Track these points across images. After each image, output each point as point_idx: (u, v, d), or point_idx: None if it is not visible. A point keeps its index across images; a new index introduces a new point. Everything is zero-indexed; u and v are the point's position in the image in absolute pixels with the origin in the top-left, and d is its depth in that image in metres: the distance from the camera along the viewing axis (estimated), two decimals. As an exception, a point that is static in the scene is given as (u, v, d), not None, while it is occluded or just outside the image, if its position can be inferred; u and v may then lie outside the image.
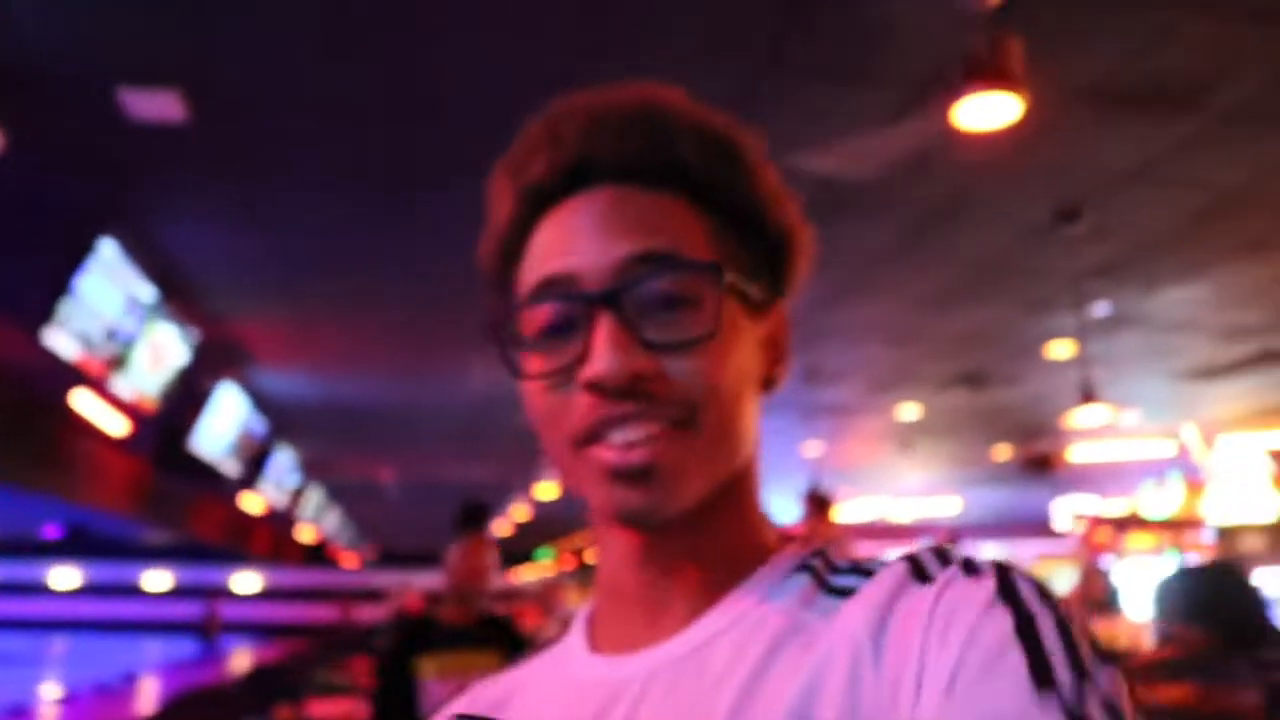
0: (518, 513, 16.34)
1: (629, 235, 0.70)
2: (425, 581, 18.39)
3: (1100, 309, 7.01)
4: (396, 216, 5.45)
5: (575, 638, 0.80)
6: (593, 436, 0.68)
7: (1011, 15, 3.46)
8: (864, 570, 0.72)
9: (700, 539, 0.73)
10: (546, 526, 16.95)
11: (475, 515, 3.98)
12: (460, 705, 0.82)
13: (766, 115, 4.04)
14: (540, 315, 0.71)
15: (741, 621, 0.71)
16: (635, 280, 0.68)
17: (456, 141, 4.59)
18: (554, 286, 0.70)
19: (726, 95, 4.08)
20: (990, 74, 3.28)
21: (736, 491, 0.75)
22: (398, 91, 4.16)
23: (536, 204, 0.75)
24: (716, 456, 0.70)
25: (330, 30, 3.75)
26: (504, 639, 3.73)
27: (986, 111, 3.45)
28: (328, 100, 4.25)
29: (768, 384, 0.77)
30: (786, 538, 0.78)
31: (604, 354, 0.66)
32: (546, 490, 13.08)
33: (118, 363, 6.36)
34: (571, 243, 0.71)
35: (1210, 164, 4.83)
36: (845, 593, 0.70)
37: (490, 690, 0.83)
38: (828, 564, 0.74)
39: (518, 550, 21.82)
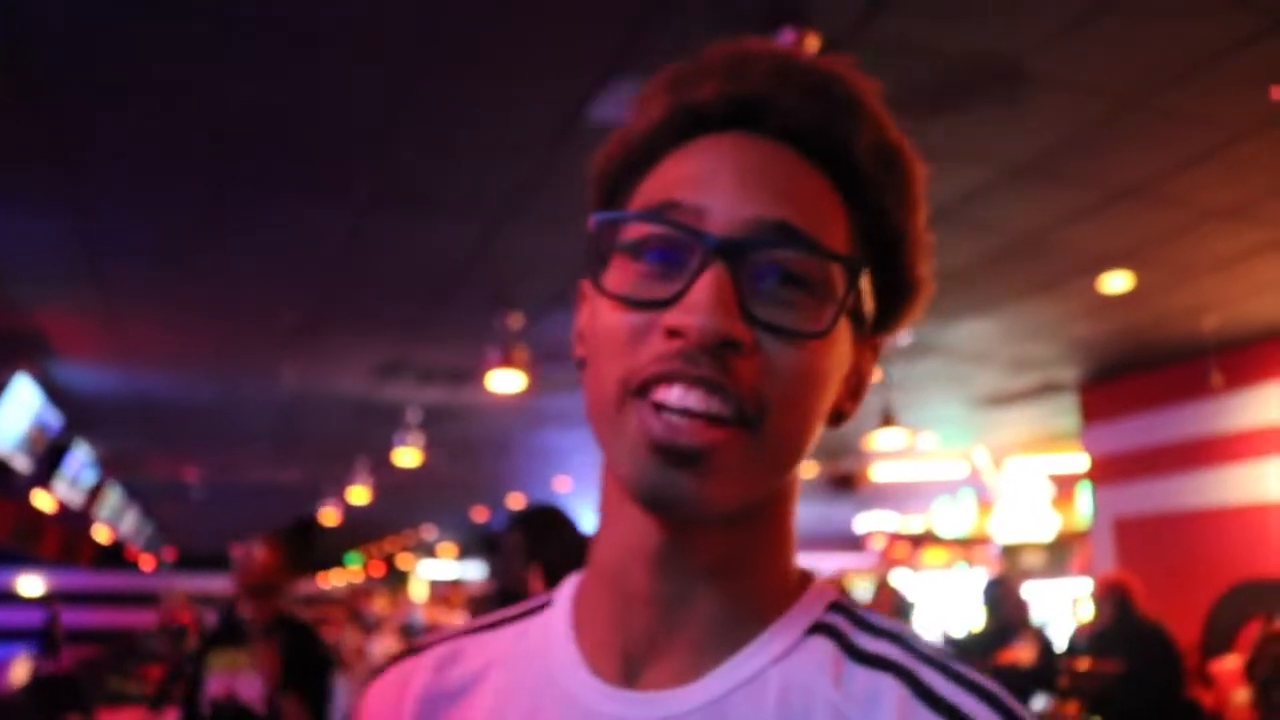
0: (328, 517, 16.01)
1: (774, 195, 0.63)
2: (215, 585, 17.75)
3: (902, 337, 7.36)
4: (214, 212, 5.31)
5: (560, 629, 0.72)
6: (651, 385, 0.61)
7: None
8: (894, 636, 0.66)
9: (729, 556, 0.66)
10: (356, 531, 16.64)
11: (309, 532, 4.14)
12: (421, 677, 0.75)
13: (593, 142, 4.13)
14: (649, 235, 0.64)
15: (758, 682, 0.64)
16: (766, 242, 0.61)
17: (278, 142, 4.53)
18: (678, 213, 0.63)
19: (550, 126, 4.17)
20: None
21: (775, 514, 0.68)
22: (220, 86, 4.08)
23: (689, 125, 0.68)
24: (772, 468, 0.64)
25: (153, 16, 3.65)
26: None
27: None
28: (149, 88, 4.12)
29: (835, 418, 0.70)
30: (806, 576, 0.71)
31: (703, 305, 0.59)
32: (358, 494, 12.88)
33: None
34: (714, 177, 0.64)
35: (1003, 211, 5.18)
36: (874, 662, 0.64)
37: (451, 669, 0.75)
38: (852, 619, 0.68)
39: (327, 555, 21.33)
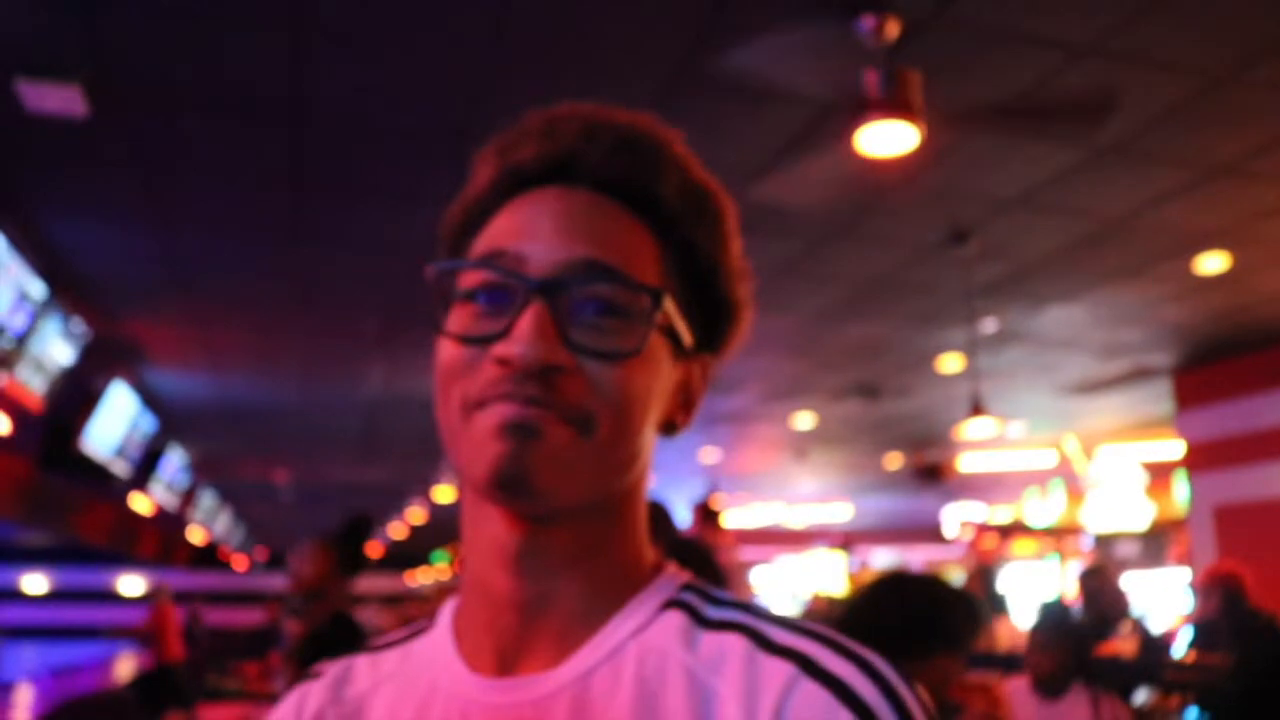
0: (413, 515, 16.21)
1: (587, 238, 0.71)
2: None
3: (989, 325, 7.26)
4: (298, 220, 5.41)
5: (442, 641, 0.78)
6: (485, 402, 0.68)
7: (909, 46, 3.60)
8: (741, 606, 0.73)
9: (579, 553, 0.72)
10: (442, 530, 16.83)
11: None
12: (316, 698, 0.80)
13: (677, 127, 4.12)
14: (480, 282, 0.72)
15: (618, 655, 0.70)
16: (577, 279, 0.69)
17: (361, 151, 4.60)
18: (502, 259, 0.71)
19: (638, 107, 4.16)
20: (889, 105, 3.41)
21: (620, 516, 0.75)
22: (303, 96, 4.15)
23: (513, 184, 0.77)
24: (604, 467, 0.70)
25: (236, 30, 3.72)
26: None
27: (886, 139, 3.59)
28: (232, 101, 4.21)
29: (668, 427, 0.78)
30: (659, 565, 0.78)
31: (524, 337, 0.66)
32: (444, 493, 13.02)
33: (6, 360, 6.19)
34: (532, 226, 0.72)
35: (1091, 194, 5.06)
36: (721, 626, 0.71)
37: (345, 689, 0.81)
38: (703, 596, 0.75)
39: (413, 553, 21.63)
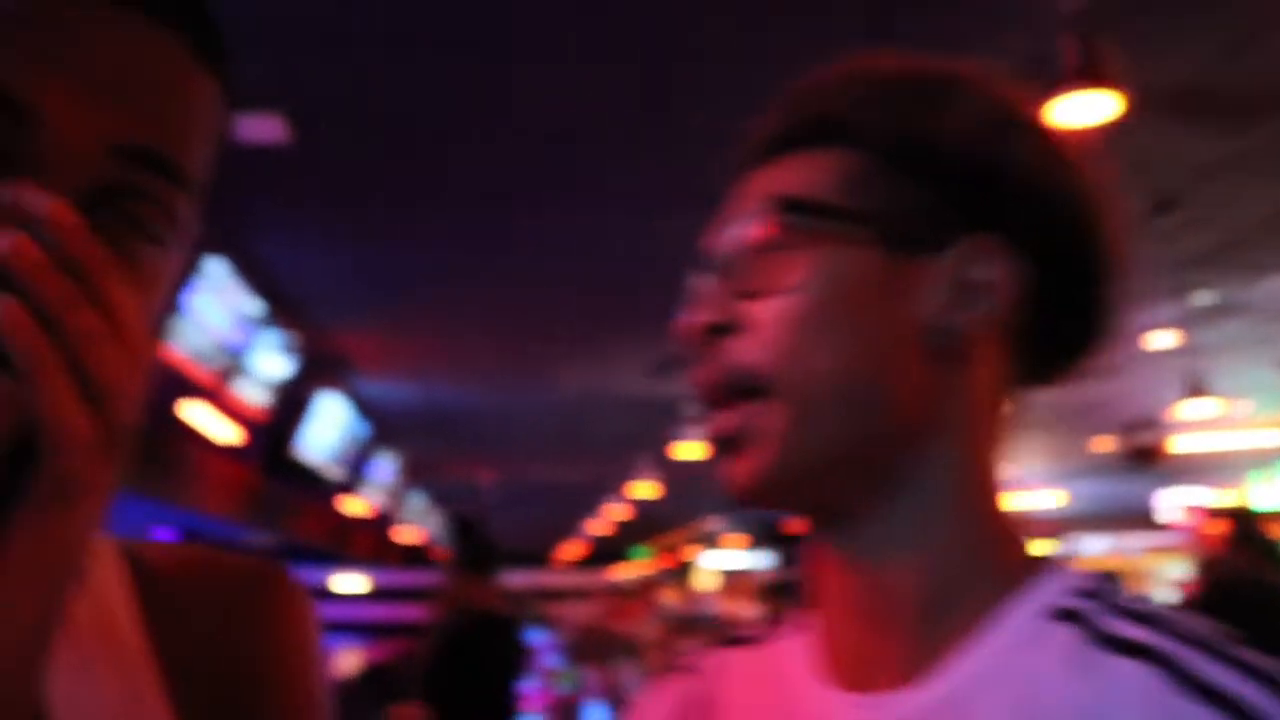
0: (614, 512, 16.41)
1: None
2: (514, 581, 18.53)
3: (1203, 298, 6.85)
4: (488, 228, 5.55)
5: (795, 648, 0.72)
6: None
7: (1105, 16, 3.43)
8: (1151, 618, 0.59)
9: (875, 542, 0.64)
10: (644, 525, 17.00)
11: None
12: (668, 699, 0.78)
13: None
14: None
15: (987, 679, 0.60)
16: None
17: (553, 156, 4.68)
18: None
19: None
20: (1087, 73, 3.27)
21: (912, 479, 0.64)
22: (486, 109, 4.25)
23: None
24: (811, 424, 0.62)
25: (422, 52, 3.85)
26: None
27: (1084, 109, 3.43)
28: (419, 119, 4.36)
29: (948, 336, 0.64)
30: (1035, 559, 0.66)
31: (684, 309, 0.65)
32: (643, 489, 13.13)
33: (228, 374, 6.58)
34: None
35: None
36: (1126, 648, 0.57)
37: (696, 684, 0.77)
38: (1101, 602, 0.61)
39: (618, 548, 21.92)
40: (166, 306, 0.58)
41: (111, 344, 0.44)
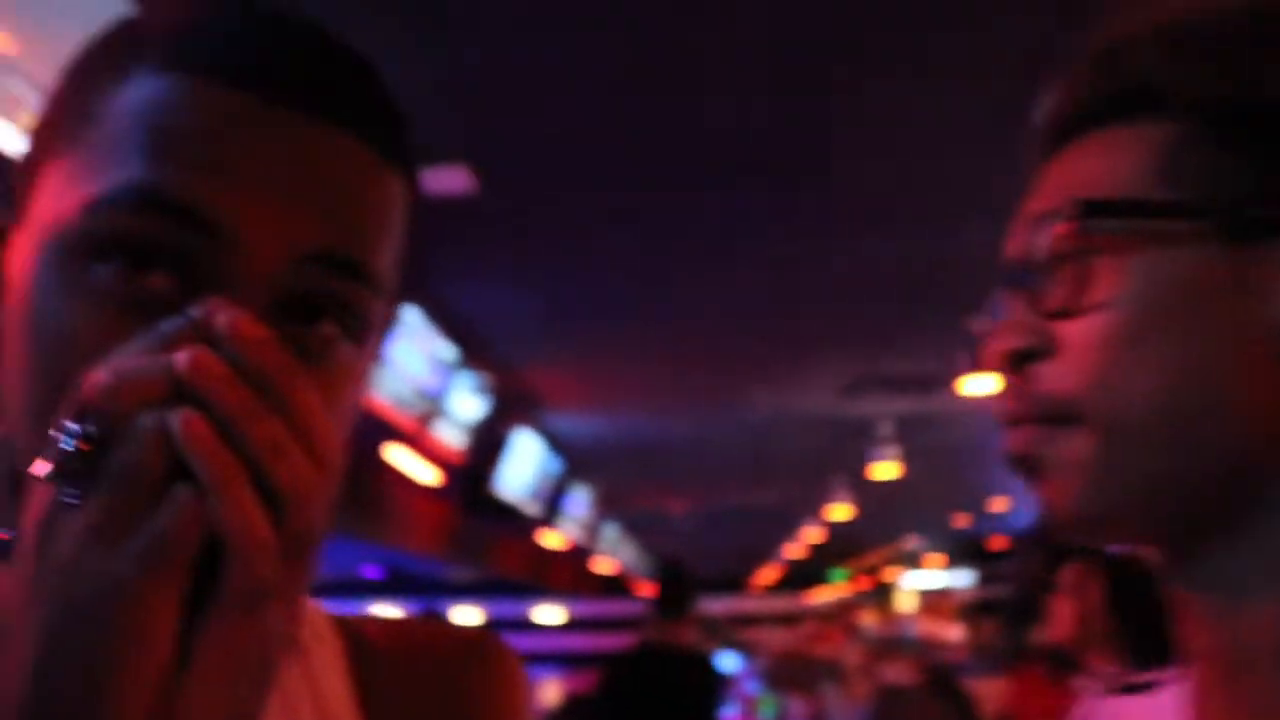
0: (810, 535, 16.21)
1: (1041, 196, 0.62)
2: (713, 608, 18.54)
3: None
4: (665, 265, 5.57)
5: (1175, 699, 0.64)
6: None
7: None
8: None
9: (1222, 576, 0.56)
10: (839, 547, 16.74)
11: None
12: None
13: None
14: None
15: None
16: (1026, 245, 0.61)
17: (725, 177, 4.64)
18: None
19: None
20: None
21: (1264, 507, 0.55)
22: (667, 140, 4.25)
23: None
24: (1123, 454, 0.56)
25: (599, 92, 3.87)
26: None
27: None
28: (598, 158, 4.41)
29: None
30: None
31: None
32: (838, 511, 12.91)
33: (427, 418, 6.76)
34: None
35: None
36: None
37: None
38: None
39: (811, 572, 21.65)
40: (358, 400, 0.58)
41: (296, 452, 0.44)
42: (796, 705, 9.58)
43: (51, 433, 0.44)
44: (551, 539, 12.80)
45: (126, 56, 0.53)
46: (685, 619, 4.64)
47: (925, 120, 4.12)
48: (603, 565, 18.48)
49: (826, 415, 9.35)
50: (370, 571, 23.07)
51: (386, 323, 0.61)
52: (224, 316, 0.44)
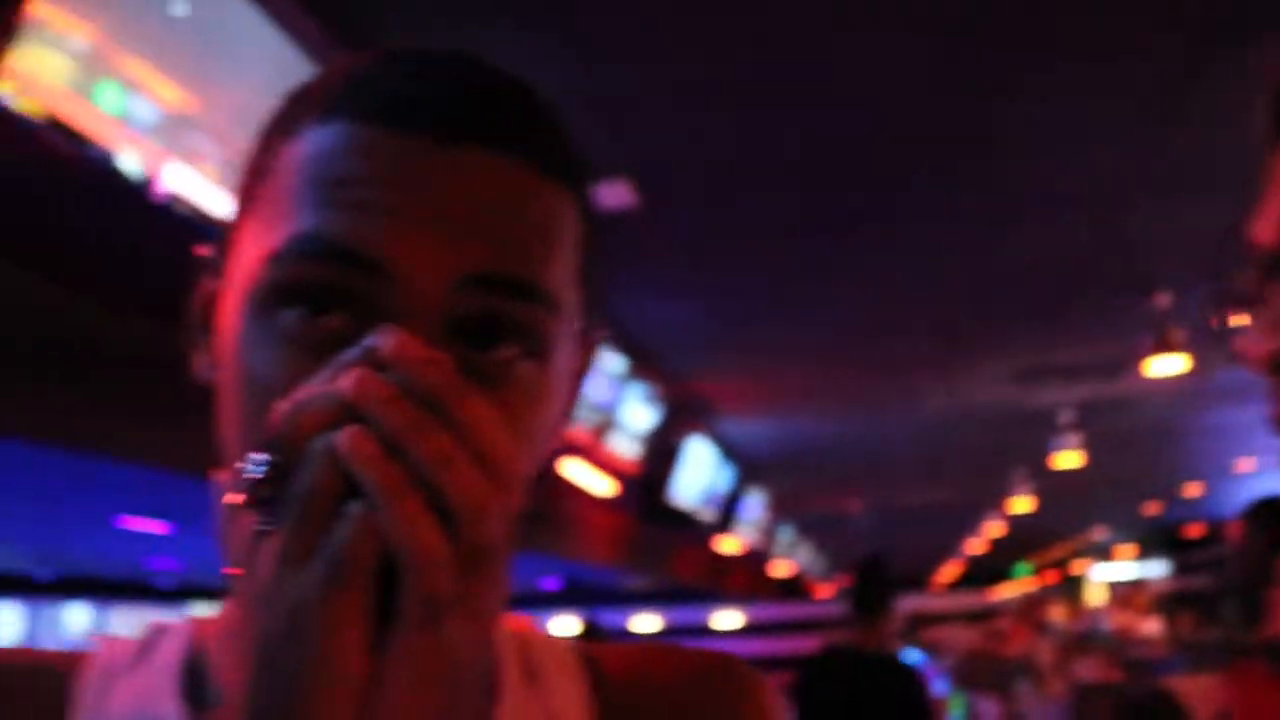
0: (991, 529, 15.82)
1: None
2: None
3: None
4: (830, 265, 5.56)
5: None
6: None
7: None
8: None
9: None
10: (1023, 542, 16.28)
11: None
12: None
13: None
14: None
15: None
16: None
17: (880, 176, 4.63)
18: None
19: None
20: None
21: None
22: (818, 141, 4.26)
23: None
24: None
25: (750, 99, 3.90)
26: None
27: None
28: (754, 169, 4.45)
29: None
30: None
31: None
32: (1019, 504, 12.57)
33: (602, 430, 6.90)
34: None
35: None
36: None
37: None
38: None
39: (993, 567, 21.10)
40: (556, 417, 0.59)
41: (466, 465, 0.45)
42: (988, 705, 9.35)
43: (240, 465, 0.47)
44: (727, 544, 12.83)
45: (295, 113, 0.57)
46: (884, 619, 4.51)
47: (1090, 102, 4.03)
48: (779, 568, 18.39)
49: (1002, 406, 9.15)
50: (549, 584, 23.51)
51: (579, 340, 0.62)
52: (389, 342, 0.46)
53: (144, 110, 2.85)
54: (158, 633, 0.65)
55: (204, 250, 0.63)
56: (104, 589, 12.90)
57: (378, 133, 0.53)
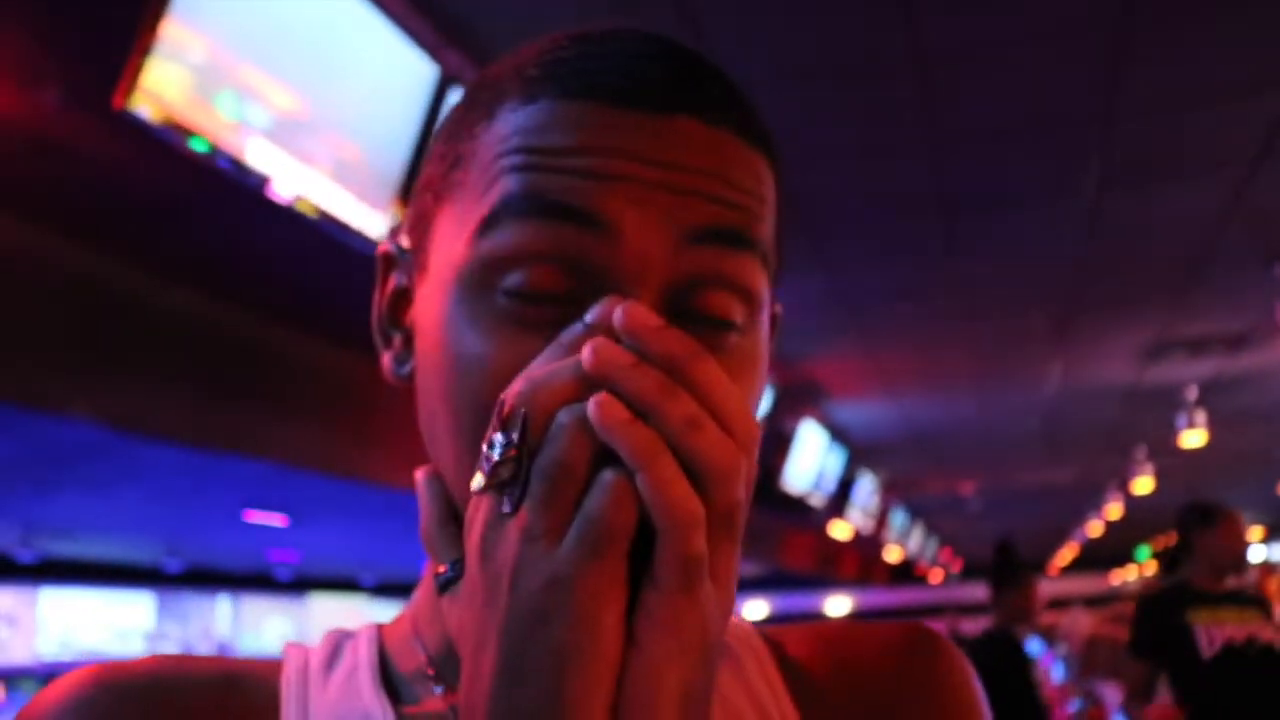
0: (1110, 511, 15.44)
1: None
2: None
3: None
4: (947, 238, 5.44)
5: None
6: None
7: None
8: None
9: None
10: (1143, 524, 15.83)
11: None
12: None
13: None
14: None
15: None
16: None
17: (1000, 153, 4.53)
18: None
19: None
20: None
21: None
22: (937, 126, 4.18)
23: None
24: None
25: (862, 77, 3.83)
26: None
27: None
28: (869, 144, 4.38)
29: None
30: None
31: None
32: (1142, 485, 12.23)
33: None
34: None
35: None
36: None
37: None
38: None
39: (1112, 550, 20.59)
40: (761, 380, 0.59)
41: (712, 427, 0.45)
42: (1112, 692, 9.13)
43: (483, 448, 0.46)
44: (839, 529, 12.74)
45: (490, 99, 0.56)
46: (1007, 600, 4.73)
47: (1212, 64, 3.88)
48: (891, 553, 18.21)
49: (1124, 384, 8.92)
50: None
51: (769, 298, 0.62)
52: (620, 311, 0.46)
53: (259, 115, 2.90)
54: (344, 637, 0.66)
55: (385, 248, 0.63)
56: (229, 580, 13.33)
57: (588, 106, 0.53)
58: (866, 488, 12.42)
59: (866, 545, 15.93)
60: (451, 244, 0.55)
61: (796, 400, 8.37)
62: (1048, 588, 18.72)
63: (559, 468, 0.44)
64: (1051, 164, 4.66)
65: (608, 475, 0.44)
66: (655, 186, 0.51)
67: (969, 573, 23.98)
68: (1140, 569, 19.79)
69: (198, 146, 2.74)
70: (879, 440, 10.61)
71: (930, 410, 9.60)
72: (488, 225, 0.52)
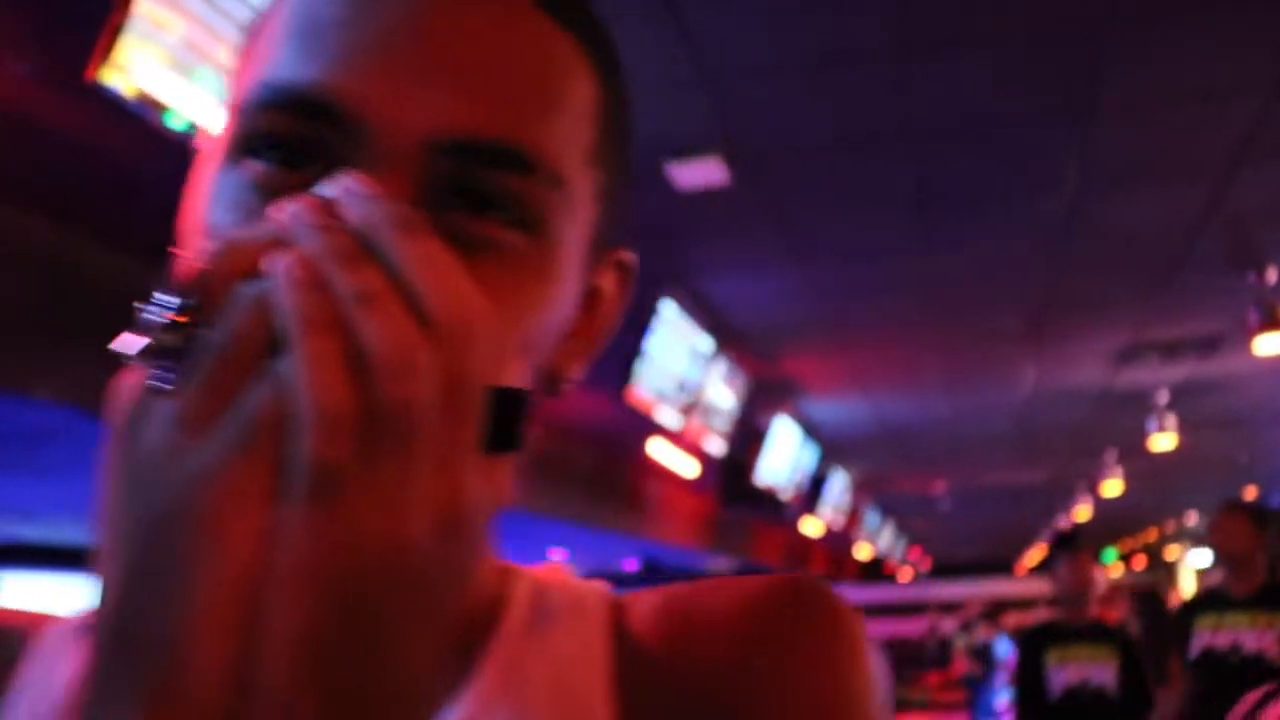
0: (1079, 513, 15.55)
1: None
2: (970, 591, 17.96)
3: None
4: (923, 238, 5.45)
5: None
6: None
7: None
8: None
9: None
10: (1110, 526, 15.96)
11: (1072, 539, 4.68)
12: None
13: None
14: None
15: None
16: None
17: (976, 149, 4.53)
18: None
19: None
20: None
21: None
22: (911, 112, 4.17)
23: None
24: None
25: (839, 70, 3.82)
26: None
27: None
28: (846, 139, 4.36)
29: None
30: None
31: None
32: (1110, 487, 12.31)
33: (687, 411, 6.86)
34: None
35: None
36: None
37: None
38: None
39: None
40: (562, 311, 0.51)
41: (393, 307, 0.36)
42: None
43: (140, 306, 0.38)
44: (810, 526, 12.77)
45: None
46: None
47: (1189, 67, 3.90)
48: (862, 551, 18.28)
49: (1097, 387, 8.97)
50: (629, 565, 23.61)
51: (609, 260, 0.55)
52: (342, 182, 0.39)
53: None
54: None
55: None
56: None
57: None
58: (838, 485, 12.45)
59: (837, 542, 15.98)
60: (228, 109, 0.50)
61: (772, 396, 8.37)
62: (1013, 587, 18.81)
63: (229, 347, 0.36)
64: (1028, 164, 4.67)
65: (282, 366, 0.35)
66: (410, 70, 0.45)
67: (939, 571, 24.11)
68: (1107, 571, 19.94)
69: (173, 123, 2.70)
70: (852, 437, 10.63)
71: (903, 409, 9.63)
72: (245, 105, 0.47)
